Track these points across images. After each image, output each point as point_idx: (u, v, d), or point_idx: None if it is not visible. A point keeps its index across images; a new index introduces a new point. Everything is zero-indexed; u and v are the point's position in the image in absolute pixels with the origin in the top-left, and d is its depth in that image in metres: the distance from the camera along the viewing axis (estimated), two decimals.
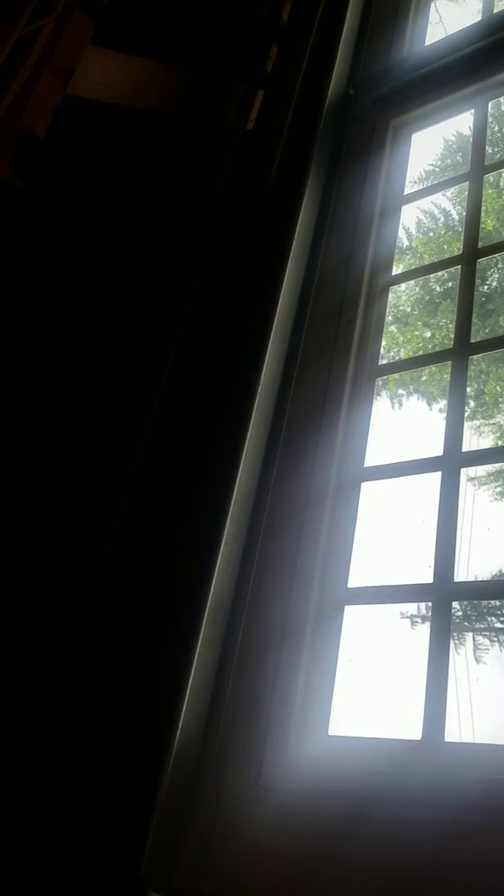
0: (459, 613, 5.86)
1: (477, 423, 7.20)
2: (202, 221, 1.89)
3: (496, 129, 7.97)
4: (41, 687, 1.41)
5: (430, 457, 1.41)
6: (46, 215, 2.20)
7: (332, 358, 1.59)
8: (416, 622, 6.08)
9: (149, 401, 1.65)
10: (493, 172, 1.90)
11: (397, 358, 7.49)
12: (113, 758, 1.27)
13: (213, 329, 1.70)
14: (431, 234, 8.04)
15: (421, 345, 7.72)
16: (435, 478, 1.39)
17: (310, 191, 1.80)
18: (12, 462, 1.79)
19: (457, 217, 8.00)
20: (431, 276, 7.45)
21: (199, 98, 2.19)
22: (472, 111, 1.93)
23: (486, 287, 7.49)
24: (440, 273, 6.46)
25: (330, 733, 1.21)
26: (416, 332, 7.77)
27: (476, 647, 5.96)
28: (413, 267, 7.35)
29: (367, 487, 1.46)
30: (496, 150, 7.87)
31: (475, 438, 7.20)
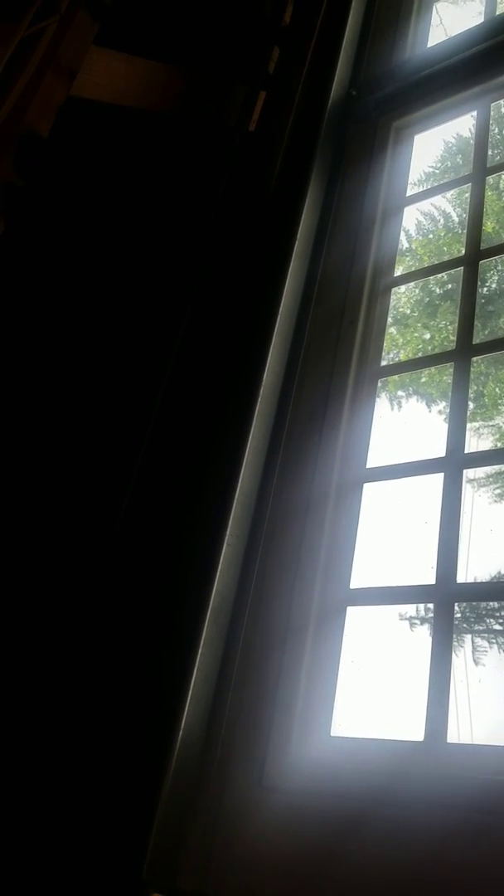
0: (458, 615, 5.86)
1: (476, 424, 7.20)
2: (204, 222, 1.89)
3: (495, 131, 7.98)
4: (44, 687, 1.41)
5: (433, 458, 1.41)
6: (49, 216, 2.20)
7: (334, 359, 1.59)
8: (415, 624, 6.08)
9: (151, 401, 1.65)
10: (494, 175, 1.90)
11: (397, 360, 7.50)
12: (115, 758, 1.27)
13: (215, 330, 1.70)
14: (431, 236, 8.05)
15: (420, 346, 7.73)
16: (437, 479, 1.40)
17: (312, 192, 1.80)
18: (14, 462, 1.79)
19: (457, 219, 8.01)
20: (431, 277, 7.46)
21: (202, 99, 2.20)
22: (474, 113, 1.94)
23: (485, 289, 7.50)
24: (440, 275, 6.47)
25: (332, 734, 1.21)
26: (416, 334, 7.77)
27: (475, 648, 5.96)
28: (413, 269, 7.37)
29: (369, 489, 1.46)
30: (496, 152, 7.89)
31: (474, 440, 7.21)
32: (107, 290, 2.00)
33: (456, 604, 1.25)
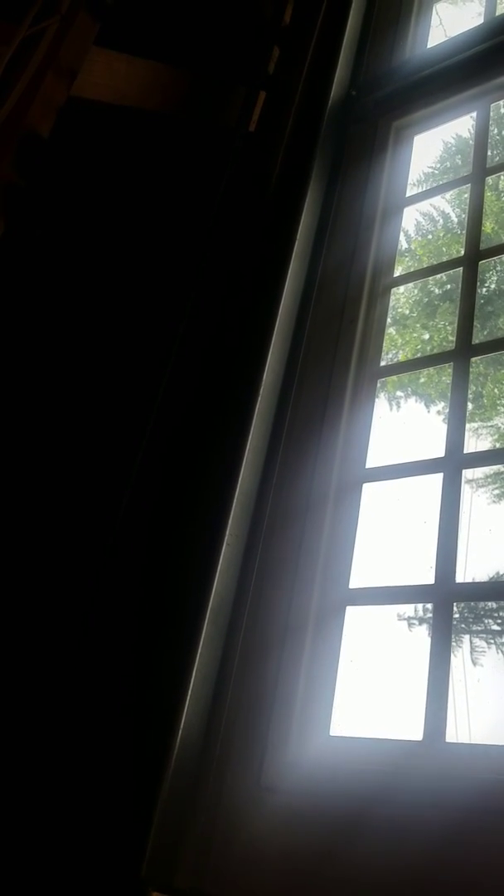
0: (457, 615, 5.87)
1: (475, 425, 7.21)
2: (204, 222, 1.89)
3: (495, 131, 7.99)
4: (43, 686, 1.42)
5: (432, 458, 1.42)
6: (50, 216, 2.20)
7: (333, 358, 1.59)
8: (414, 624, 6.09)
9: (151, 401, 1.65)
10: (493, 175, 1.90)
11: (395, 360, 7.50)
12: (114, 757, 1.27)
13: (216, 330, 1.70)
14: (430, 236, 8.05)
15: (419, 347, 7.74)
16: (436, 479, 1.40)
17: (312, 192, 1.81)
18: (15, 462, 1.79)
19: (456, 220, 8.02)
20: (430, 278, 7.46)
21: (202, 99, 2.20)
22: (474, 113, 1.94)
23: (484, 289, 7.50)
24: (439, 275, 6.48)
25: (331, 734, 1.21)
26: (415, 335, 7.78)
27: (473, 649, 5.97)
28: (412, 269, 7.37)
29: (368, 489, 1.46)
30: (495, 153, 7.89)
31: (473, 441, 7.21)
32: (107, 291, 2.00)
33: (454, 604, 1.26)
